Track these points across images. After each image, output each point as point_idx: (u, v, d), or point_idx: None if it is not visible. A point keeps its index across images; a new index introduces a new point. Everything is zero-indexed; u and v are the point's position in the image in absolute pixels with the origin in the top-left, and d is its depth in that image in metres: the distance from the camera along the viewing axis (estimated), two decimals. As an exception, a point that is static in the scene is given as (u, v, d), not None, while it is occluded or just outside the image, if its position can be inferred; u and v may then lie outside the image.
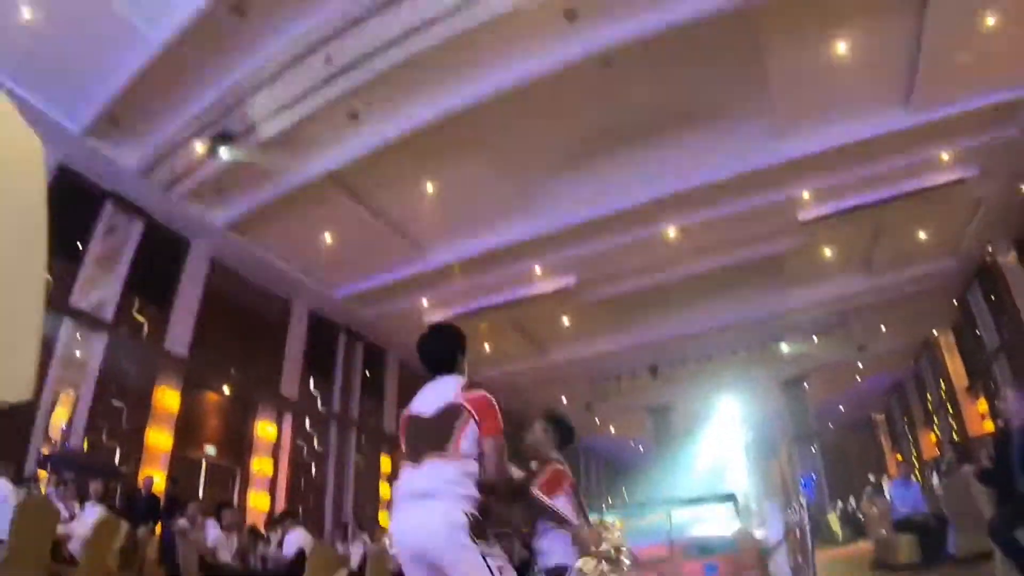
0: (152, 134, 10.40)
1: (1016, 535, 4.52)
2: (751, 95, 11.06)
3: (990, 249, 16.18)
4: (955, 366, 21.02)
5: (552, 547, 3.17)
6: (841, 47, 10.19)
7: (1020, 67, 10.45)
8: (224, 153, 10.23)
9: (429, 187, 12.18)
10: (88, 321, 10.82)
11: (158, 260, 12.11)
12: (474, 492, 2.70)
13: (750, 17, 9.41)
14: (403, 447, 2.93)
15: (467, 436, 2.76)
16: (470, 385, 2.92)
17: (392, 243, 13.63)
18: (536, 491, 3.31)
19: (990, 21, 9.61)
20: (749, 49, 10.05)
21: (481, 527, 2.66)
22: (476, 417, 2.79)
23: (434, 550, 2.59)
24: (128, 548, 7.22)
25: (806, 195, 13.01)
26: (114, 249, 11.51)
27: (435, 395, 2.91)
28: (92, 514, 6.57)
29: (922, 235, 15.67)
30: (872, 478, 21.38)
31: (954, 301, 19.05)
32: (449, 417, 2.79)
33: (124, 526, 7.11)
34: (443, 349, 3.08)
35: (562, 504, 3.33)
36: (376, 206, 12.74)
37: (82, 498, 7.83)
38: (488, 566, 2.56)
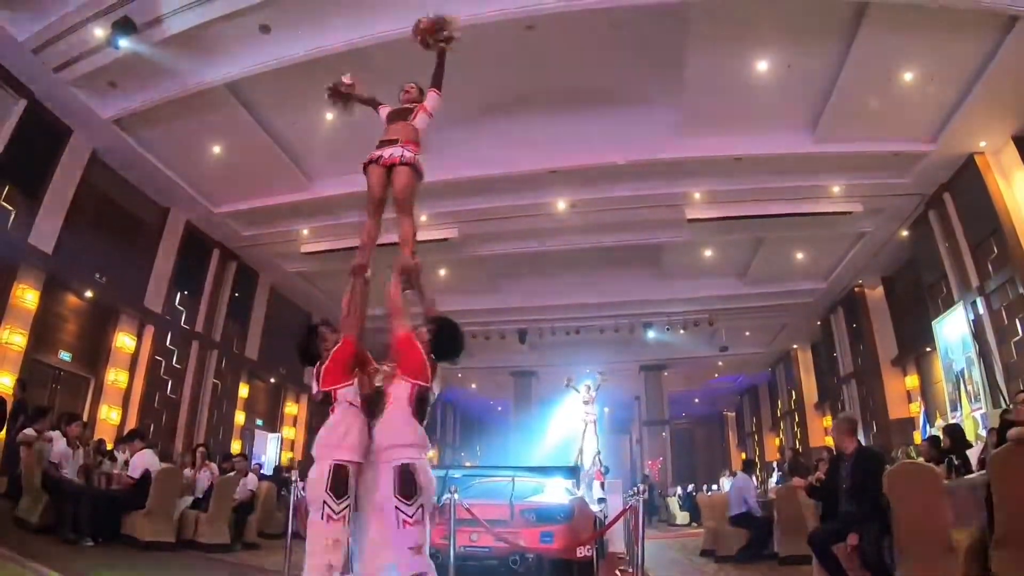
0: (50, 9, 9.39)
1: (833, 548, 5.06)
2: (665, 89, 11.29)
3: (860, 281, 17.34)
4: (808, 382, 22.69)
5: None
6: (762, 65, 10.56)
7: (923, 125, 11.26)
8: (123, 43, 9.42)
9: (328, 116, 11.66)
10: (-50, 201, 9.82)
11: (35, 146, 11.06)
12: None
13: (680, 15, 9.55)
14: None
15: None
16: None
17: (281, 166, 13.05)
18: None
19: (907, 77, 10.24)
20: (673, 45, 10.18)
21: None
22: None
23: None
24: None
25: (697, 195, 13.46)
26: (-10, 127, 10.40)
27: None
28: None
29: (800, 255, 16.64)
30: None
31: (817, 322, 20.41)
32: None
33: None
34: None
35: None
36: (271, 126, 12.15)
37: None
38: None
